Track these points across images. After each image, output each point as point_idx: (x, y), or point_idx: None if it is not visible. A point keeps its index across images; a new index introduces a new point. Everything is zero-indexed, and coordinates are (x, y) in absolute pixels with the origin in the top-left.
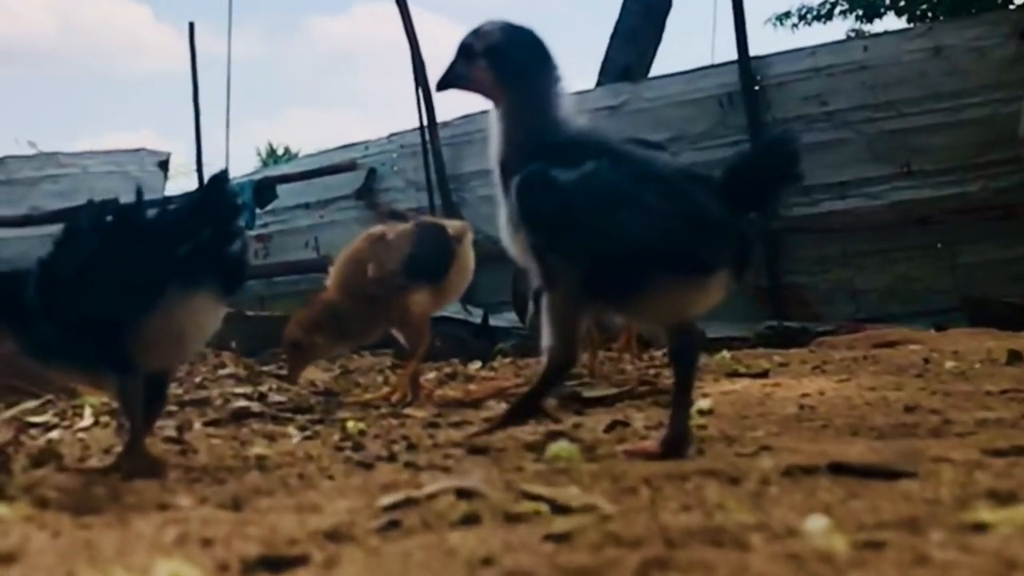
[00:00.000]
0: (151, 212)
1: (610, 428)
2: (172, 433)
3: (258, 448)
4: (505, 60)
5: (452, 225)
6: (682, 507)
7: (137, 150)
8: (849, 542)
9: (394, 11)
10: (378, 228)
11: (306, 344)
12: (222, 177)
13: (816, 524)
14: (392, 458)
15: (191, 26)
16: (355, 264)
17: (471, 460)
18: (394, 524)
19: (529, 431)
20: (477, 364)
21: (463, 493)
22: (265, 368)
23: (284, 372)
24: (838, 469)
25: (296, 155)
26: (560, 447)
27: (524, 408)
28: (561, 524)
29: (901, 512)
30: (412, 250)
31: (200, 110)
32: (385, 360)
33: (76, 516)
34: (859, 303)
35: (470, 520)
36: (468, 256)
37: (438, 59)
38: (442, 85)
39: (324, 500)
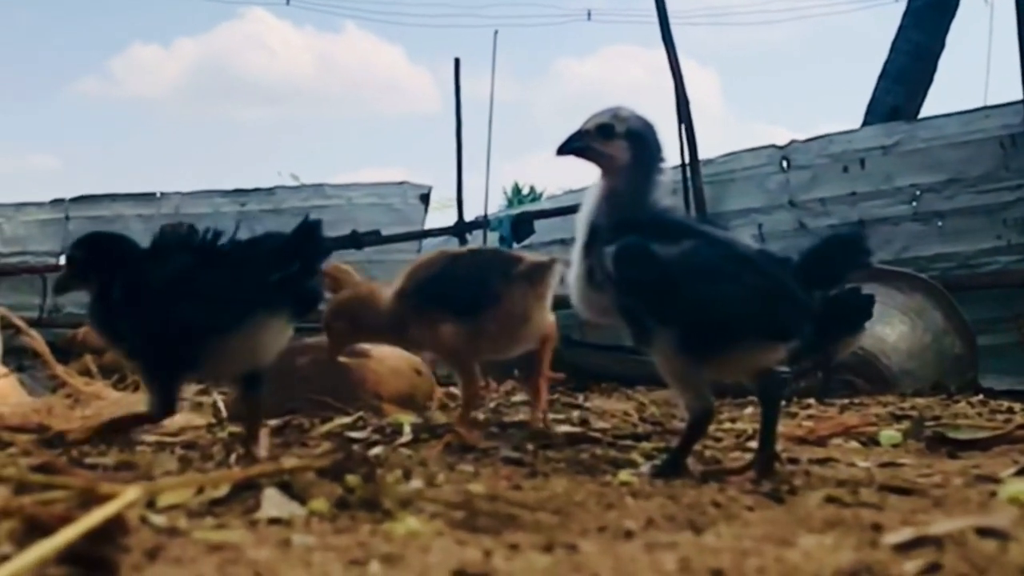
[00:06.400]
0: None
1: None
2: (511, 454)
3: (623, 476)
4: (641, 143)
5: (528, 260)
6: None
7: (400, 183)
8: None
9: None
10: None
11: (333, 328)
12: (315, 224)
13: None
14: (793, 491)
15: (456, 63)
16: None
17: (897, 498)
18: (935, 567)
19: (922, 471)
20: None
21: (986, 532)
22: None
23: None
24: None
25: (541, 195)
26: (1018, 489)
27: (672, 464)
28: None
29: None
30: (436, 273)
31: (462, 145)
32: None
33: (493, 533)
34: None
35: None
36: (527, 300)
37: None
38: (564, 150)
39: (783, 532)
